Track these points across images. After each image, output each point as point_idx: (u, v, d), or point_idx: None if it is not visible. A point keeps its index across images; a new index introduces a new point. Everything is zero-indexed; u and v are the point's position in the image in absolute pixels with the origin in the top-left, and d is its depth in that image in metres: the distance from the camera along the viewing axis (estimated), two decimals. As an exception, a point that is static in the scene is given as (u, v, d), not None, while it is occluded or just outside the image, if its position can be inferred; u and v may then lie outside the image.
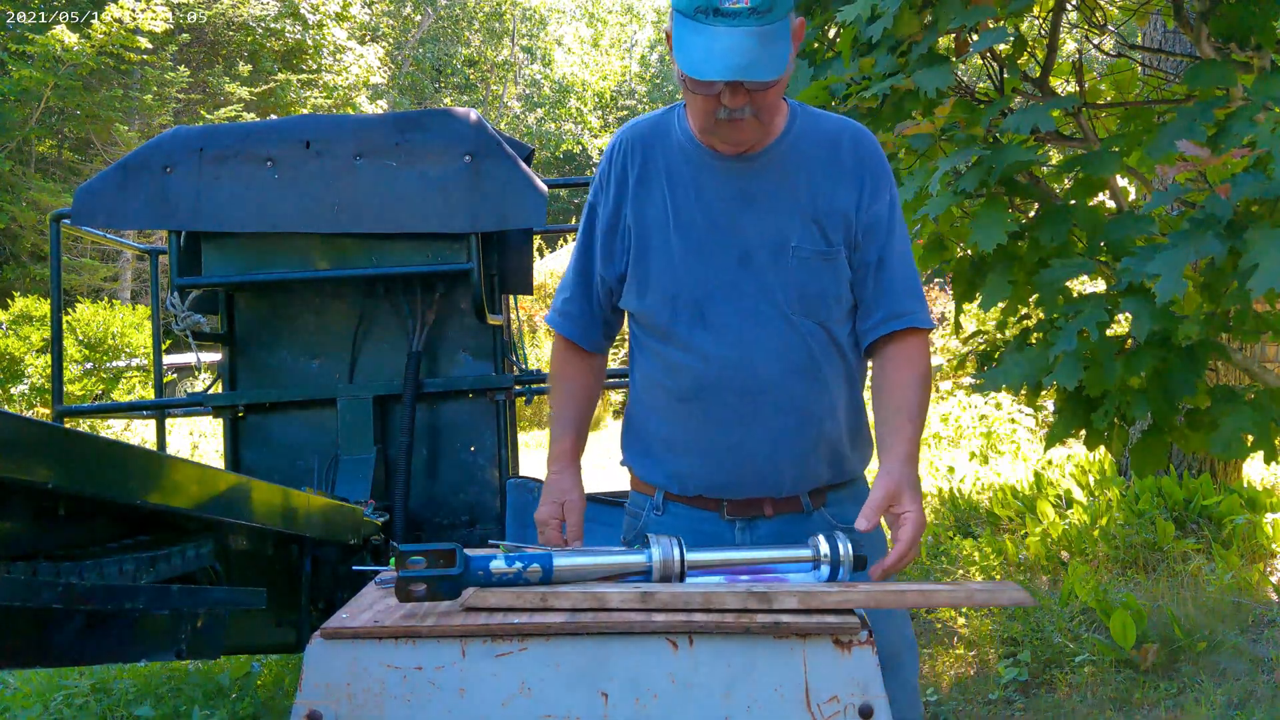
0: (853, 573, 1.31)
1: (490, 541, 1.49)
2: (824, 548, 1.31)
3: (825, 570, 1.30)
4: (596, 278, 1.67)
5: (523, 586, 1.21)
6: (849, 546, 1.31)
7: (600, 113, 32.67)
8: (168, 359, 6.13)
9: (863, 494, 1.72)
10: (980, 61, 2.79)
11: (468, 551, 1.22)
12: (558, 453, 1.68)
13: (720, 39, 1.36)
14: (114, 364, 12.81)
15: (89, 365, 12.62)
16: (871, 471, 1.62)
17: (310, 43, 23.16)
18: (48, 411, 11.95)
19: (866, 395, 1.64)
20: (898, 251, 1.60)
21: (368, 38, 26.83)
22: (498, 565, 1.23)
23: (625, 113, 33.86)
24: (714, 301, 1.56)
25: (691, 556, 1.29)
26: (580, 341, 1.71)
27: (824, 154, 1.58)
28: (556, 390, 1.72)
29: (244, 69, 21.96)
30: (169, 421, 4.59)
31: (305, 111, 21.86)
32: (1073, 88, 3.00)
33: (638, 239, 1.60)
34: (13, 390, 12.16)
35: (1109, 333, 2.31)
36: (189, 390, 8.88)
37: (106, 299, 15.21)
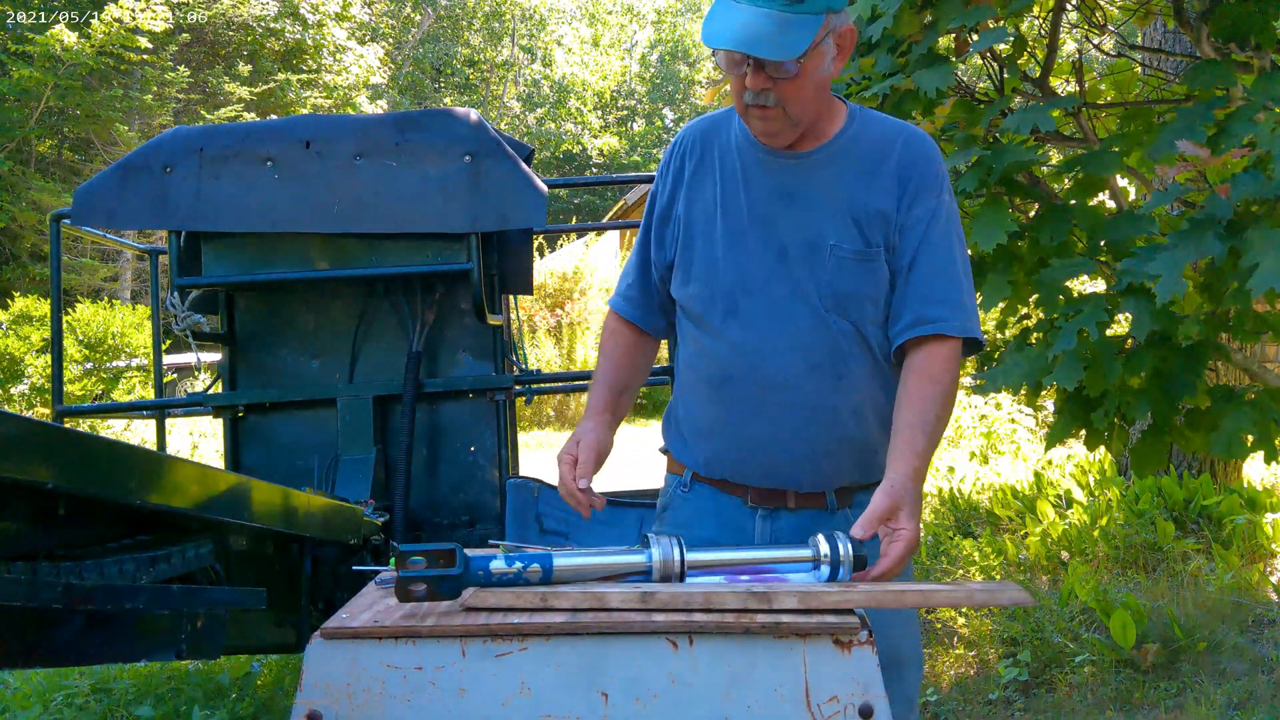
0: (853, 573, 1.31)
1: (490, 541, 1.49)
2: (824, 548, 1.31)
3: (825, 570, 1.30)
4: (652, 264, 1.74)
5: (523, 586, 1.21)
6: (849, 546, 1.31)
7: (600, 113, 32.67)
8: (168, 359, 6.13)
9: None
10: (980, 61, 2.79)
11: (468, 552, 1.22)
12: (589, 406, 1.70)
13: (740, 14, 1.42)
14: (114, 364, 12.81)
15: (89, 365, 12.63)
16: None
17: (310, 43, 23.17)
18: (48, 411, 11.95)
19: None
20: (935, 257, 1.57)
21: (368, 38, 26.83)
22: (498, 565, 1.22)
23: (625, 113, 33.87)
24: (747, 293, 1.59)
25: (691, 556, 1.29)
26: (639, 323, 1.76)
27: (874, 157, 1.59)
28: (600, 359, 1.76)
29: (244, 69, 21.97)
30: (169, 421, 4.59)
31: (305, 111, 21.86)
32: (1073, 88, 3.00)
33: (685, 228, 1.66)
34: (13, 390, 12.16)
35: (1109, 333, 2.30)
36: (189, 390, 8.89)
37: (106, 299, 15.22)
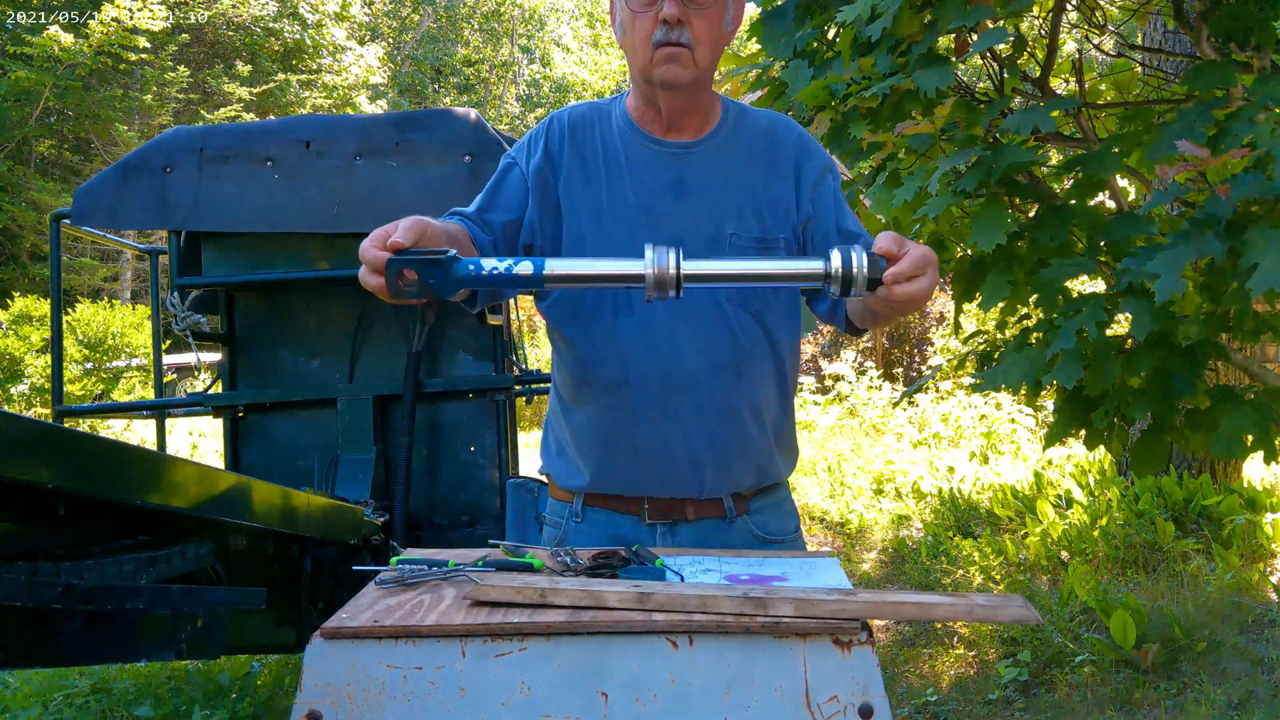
0: (865, 292, 1.21)
1: (490, 541, 1.47)
2: (836, 261, 1.19)
3: (834, 289, 1.20)
4: (497, 221, 1.57)
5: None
6: (863, 259, 1.19)
7: (600, 113, 32.65)
8: (168, 359, 6.13)
9: (786, 502, 1.70)
10: (980, 61, 2.79)
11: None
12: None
13: None
14: (114, 364, 12.82)
15: (89, 365, 12.64)
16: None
17: (310, 43, 23.17)
18: (48, 411, 11.96)
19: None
20: (853, 223, 1.60)
21: (367, 38, 26.83)
22: (489, 263, 1.22)
23: (625, 113, 33.84)
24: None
25: (689, 267, 1.21)
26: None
27: (760, 145, 1.59)
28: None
29: (244, 69, 21.97)
30: (169, 421, 4.59)
31: (305, 111, 21.87)
32: (1073, 88, 3.00)
33: (567, 221, 1.56)
34: (13, 390, 12.17)
35: (1109, 333, 2.30)
36: (189, 390, 8.89)
37: (106, 299, 15.23)
